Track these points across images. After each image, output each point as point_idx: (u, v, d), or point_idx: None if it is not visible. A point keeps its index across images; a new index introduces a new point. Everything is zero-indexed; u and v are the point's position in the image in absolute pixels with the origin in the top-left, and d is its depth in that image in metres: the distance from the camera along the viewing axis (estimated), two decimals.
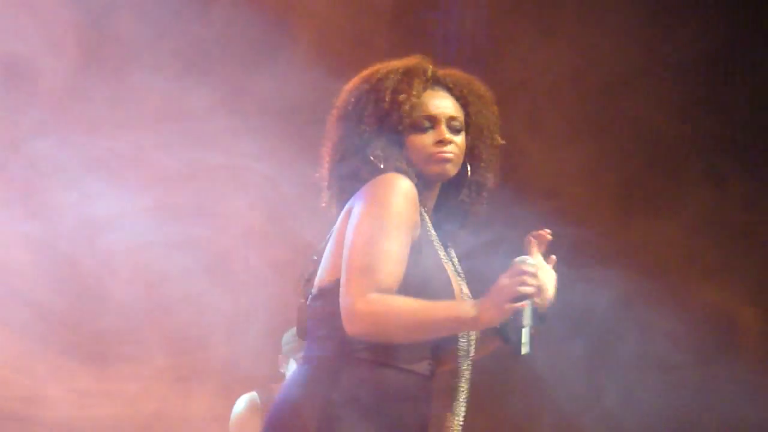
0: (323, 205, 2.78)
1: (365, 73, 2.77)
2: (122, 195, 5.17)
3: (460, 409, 2.70)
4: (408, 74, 2.73)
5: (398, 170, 2.64)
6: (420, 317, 2.49)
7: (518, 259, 2.53)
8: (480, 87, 2.81)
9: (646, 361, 5.56)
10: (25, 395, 5.22)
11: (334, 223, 2.69)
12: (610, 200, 5.82)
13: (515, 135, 5.55)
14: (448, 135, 2.71)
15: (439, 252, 2.69)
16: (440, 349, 2.68)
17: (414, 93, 2.71)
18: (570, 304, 5.24)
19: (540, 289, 2.54)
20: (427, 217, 2.70)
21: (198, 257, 5.26)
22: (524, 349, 2.48)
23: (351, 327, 2.51)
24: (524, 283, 2.48)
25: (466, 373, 2.69)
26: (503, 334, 2.57)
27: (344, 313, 2.51)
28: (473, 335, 2.70)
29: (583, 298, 5.19)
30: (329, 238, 2.70)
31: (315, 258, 2.73)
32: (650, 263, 5.63)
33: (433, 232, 2.70)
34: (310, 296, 2.68)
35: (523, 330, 2.49)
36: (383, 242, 2.51)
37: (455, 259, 2.79)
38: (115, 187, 5.16)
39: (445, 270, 2.69)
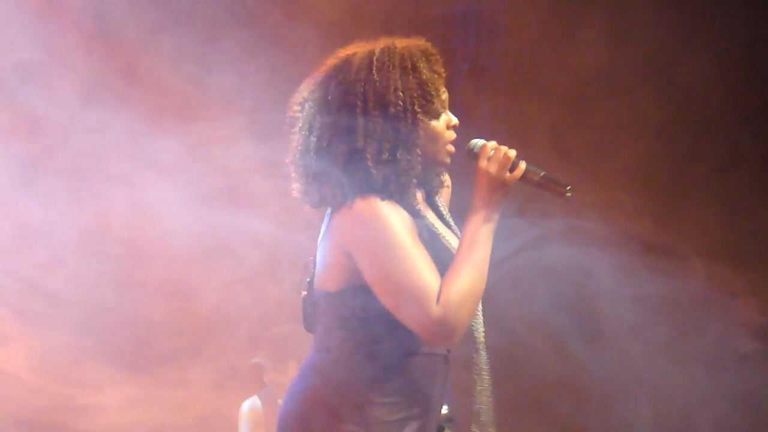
0: (295, 188, 2.74)
1: (386, 55, 2.70)
2: (174, 195, 5.10)
3: (483, 380, 2.77)
4: (431, 60, 2.72)
5: (380, 180, 2.63)
6: (473, 270, 2.59)
7: (473, 145, 2.72)
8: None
9: (721, 351, 5.46)
10: (69, 404, 5.16)
11: (327, 214, 2.71)
12: (664, 194, 5.75)
13: (564, 127, 5.60)
14: (455, 120, 2.76)
15: (439, 234, 2.74)
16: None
17: (441, 80, 2.73)
18: (639, 296, 5.20)
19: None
20: (420, 207, 2.74)
21: (254, 258, 5.15)
22: (569, 192, 2.67)
23: (448, 341, 2.59)
24: (503, 152, 2.66)
25: (481, 342, 2.78)
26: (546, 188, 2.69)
27: (432, 338, 2.59)
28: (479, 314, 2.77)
29: (653, 289, 5.04)
30: (322, 233, 2.73)
31: (312, 259, 2.76)
32: (721, 254, 5.53)
33: (428, 218, 2.74)
34: (320, 293, 2.70)
35: (545, 175, 2.68)
36: (408, 266, 2.57)
37: (446, 215, 2.86)
38: (168, 187, 5.09)
39: (449, 249, 2.73)
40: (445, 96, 2.74)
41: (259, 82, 5.11)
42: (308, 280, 2.75)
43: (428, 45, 2.74)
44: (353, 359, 2.64)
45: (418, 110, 2.66)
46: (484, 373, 2.78)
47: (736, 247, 5.62)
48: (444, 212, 2.86)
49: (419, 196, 2.78)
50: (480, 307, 2.78)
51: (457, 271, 2.58)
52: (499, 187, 2.65)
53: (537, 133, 5.61)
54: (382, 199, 2.61)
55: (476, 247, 2.61)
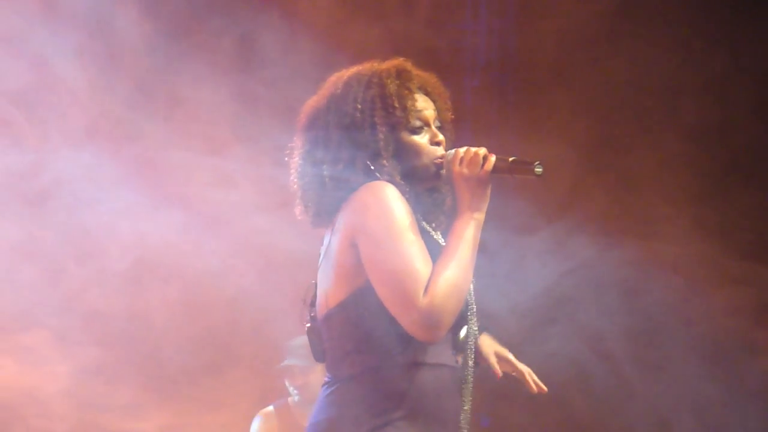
0: (298, 211, 2.87)
1: (357, 78, 2.85)
2: (216, 212, 5.08)
3: (467, 395, 2.80)
4: (403, 77, 2.84)
5: (390, 181, 2.75)
6: (459, 266, 2.67)
7: (449, 153, 2.80)
8: (440, 84, 2.92)
9: None
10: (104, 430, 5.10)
11: (327, 235, 2.80)
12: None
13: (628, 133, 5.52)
14: (440, 137, 2.85)
15: (431, 234, 2.82)
16: (456, 337, 2.79)
17: (415, 95, 2.83)
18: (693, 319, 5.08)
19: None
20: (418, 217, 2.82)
21: (293, 278, 5.03)
22: (537, 168, 2.73)
23: (431, 332, 2.63)
24: (473, 151, 2.76)
25: (470, 359, 2.81)
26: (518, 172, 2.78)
27: (417, 327, 2.63)
28: (473, 323, 2.82)
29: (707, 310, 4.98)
30: (323, 254, 2.81)
31: (314, 282, 2.84)
32: None
33: (426, 227, 2.82)
34: (323, 316, 2.77)
35: (514, 160, 2.76)
36: (404, 250, 2.65)
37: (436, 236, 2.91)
38: (213, 204, 5.06)
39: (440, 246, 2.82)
40: (427, 112, 2.84)
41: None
42: (311, 314, 2.83)
43: (404, 64, 2.87)
44: (363, 384, 2.70)
45: (377, 121, 2.77)
46: (469, 387, 2.82)
47: None
48: (433, 234, 2.90)
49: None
50: (474, 317, 2.83)
51: (444, 264, 2.66)
52: (476, 185, 2.74)
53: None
54: (388, 183, 2.73)
55: (462, 245, 2.69)
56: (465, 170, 2.75)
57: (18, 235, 5.03)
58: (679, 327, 5.28)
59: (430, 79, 2.89)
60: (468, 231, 2.71)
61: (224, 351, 5.29)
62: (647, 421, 5.30)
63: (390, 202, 2.68)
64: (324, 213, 2.82)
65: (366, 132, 2.77)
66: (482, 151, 2.76)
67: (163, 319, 5.19)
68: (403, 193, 2.73)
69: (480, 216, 2.73)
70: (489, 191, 2.75)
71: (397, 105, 2.79)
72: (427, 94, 2.86)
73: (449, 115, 2.90)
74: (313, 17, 5.37)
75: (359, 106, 2.79)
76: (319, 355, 2.82)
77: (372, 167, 2.75)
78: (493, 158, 2.75)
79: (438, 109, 2.87)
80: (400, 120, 2.78)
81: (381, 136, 2.77)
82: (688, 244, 5.26)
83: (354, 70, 2.86)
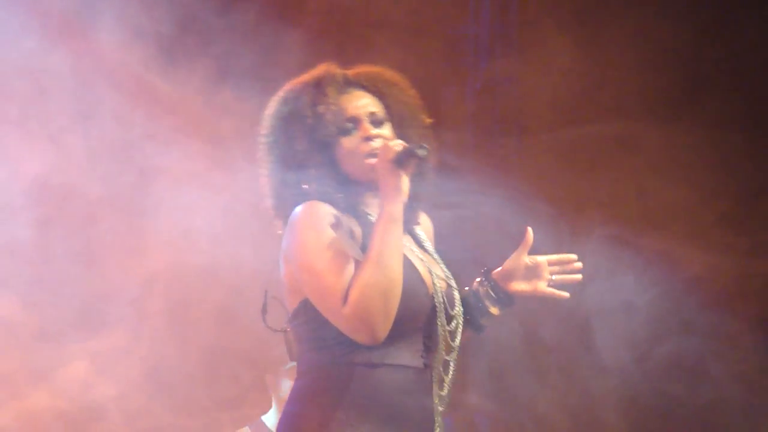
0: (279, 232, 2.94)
1: (279, 95, 2.96)
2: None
3: (445, 394, 2.89)
4: (320, 84, 2.93)
5: (322, 196, 2.84)
6: (375, 264, 2.73)
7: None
8: (392, 76, 2.99)
9: None
10: None
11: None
12: None
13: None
14: (373, 131, 2.91)
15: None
16: (430, 339, 2.86)
17: (330, 101, 2.91)
18: None
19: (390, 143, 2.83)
20: (370, 218, 2.91)
21: None
22: (420, 150, 2.77)
23: (365, 336, 2.73)
24: (383, 147, 2.81)
25: (452, 359, 2.90)
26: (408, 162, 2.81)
27: (350, 334, 2.75)
28: (458, 322, 2.92)
29: None
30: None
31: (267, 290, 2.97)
32: None
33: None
34: (288, 319, 2.88)
35: (405, 146, 2.79)
36: (319, 268, 2.75)
37: (425, 242, 3.03)
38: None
39: (405, 256, 2.86)
40: (358, 111, 2.92)
41: None
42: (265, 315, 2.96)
43: (328, 68, 2.96)
44: (326, 380, 2.80)
45: (294, 134, 2.88)
46: (446, 390, 2.91)
47: None
48: (422, 238, 3.04)
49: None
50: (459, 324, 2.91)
51: (361, 268, 2.74)
52: (385, 176, 2.79)
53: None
54: (312, 200, 2.82)
55: (377, 243, 2.74)
56: (378, 164, 2.81)
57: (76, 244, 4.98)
58: None
59: (369, 73, 2.98)
60: (382, 226, 2.76)
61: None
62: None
63: (307, 223, 2.78)
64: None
65: (285, 147, 2.90)
66: (393, 143, 2.80)
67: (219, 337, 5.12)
68: (336, 202, 2.83)
69: (392, 208, 2.77)
70: (400, 183, 2.78)
71: (309, 113, 2.89)
72: (365, 88, 2.95)
73: (404, 106, 2.96)
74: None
75: (278, 124, 2.92)
76: (292, 354, 2.91)
77: (303, 186, 2.86)
78: (398, 147, 2.78)
79: (385, 102, 2.94)
80: (313, 127, 2.88)
81: (298, 148, 2.89)
82: None
83: (280, 91, 2.97)
